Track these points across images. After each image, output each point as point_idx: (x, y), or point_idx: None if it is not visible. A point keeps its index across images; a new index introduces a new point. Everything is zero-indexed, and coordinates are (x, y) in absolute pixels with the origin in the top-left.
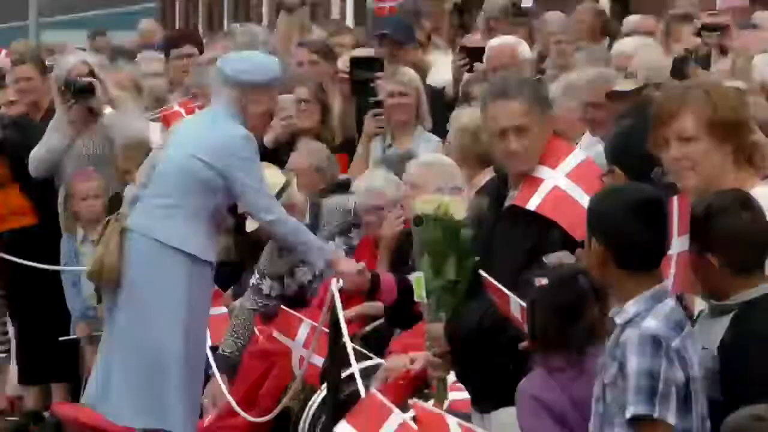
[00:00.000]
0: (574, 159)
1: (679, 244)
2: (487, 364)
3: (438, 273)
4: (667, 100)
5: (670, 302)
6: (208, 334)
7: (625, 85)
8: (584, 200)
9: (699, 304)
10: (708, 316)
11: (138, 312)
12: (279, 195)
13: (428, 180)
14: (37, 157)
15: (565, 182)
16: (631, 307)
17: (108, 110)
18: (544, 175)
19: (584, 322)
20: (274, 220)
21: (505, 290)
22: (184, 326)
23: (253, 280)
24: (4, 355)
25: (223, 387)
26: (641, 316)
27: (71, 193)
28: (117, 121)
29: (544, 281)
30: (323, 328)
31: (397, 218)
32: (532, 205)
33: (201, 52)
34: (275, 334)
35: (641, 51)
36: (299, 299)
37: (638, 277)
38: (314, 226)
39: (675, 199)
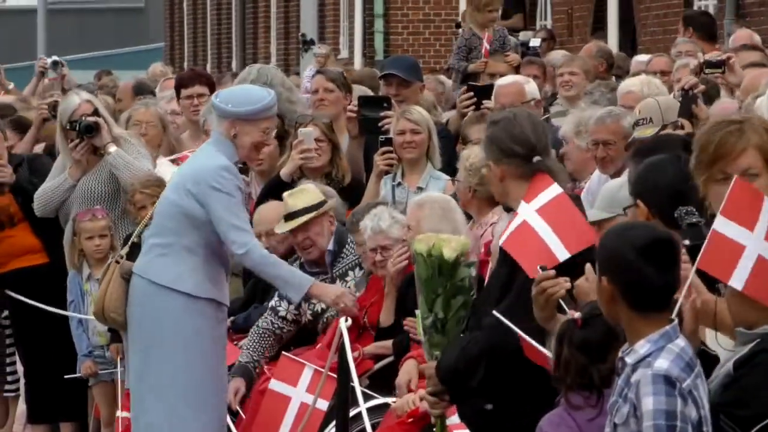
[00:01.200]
0: (546, 194)
1: (764, 246)
2: (470, 404)
3: (430, 311)
4: (730, 136)
5: (680, 342)
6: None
7: (643, 132)
8: (549, 237)
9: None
10: (738, 345)
11: (142, 353)
12: (301, 213)
13: (420, 220)
14: (42, 196)
15: (534, 217)
16: (641, 347)
17: (113, 149)
18: (520, 210)
19: (609, 362)
20: (245, 254)
21: (520, 332)
22: (188, 363)
23: (272, 302)
24: (12, 394)
25: (232, 426)
26: (653, 356)
27: (77, 230)
28: (121, 160)
29: (578, 315)
30: (330, 372)
31: (399, 256)
32: (502, 240)
33: (212, 92)
34: (273, 384)
35: (647, 91)
36: (311, 328)
37: (648, 317)
38: (337, 254)
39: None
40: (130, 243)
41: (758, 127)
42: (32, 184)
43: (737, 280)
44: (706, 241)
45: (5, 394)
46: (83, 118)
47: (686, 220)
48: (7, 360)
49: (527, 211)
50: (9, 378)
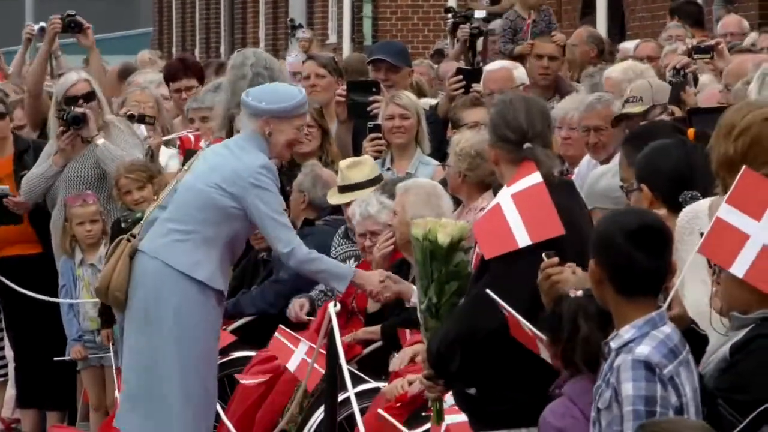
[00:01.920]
0: (525, 181)
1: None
2: (456, 389)
3: (425, 295)
4: (760, 132)
5: (666, 329)
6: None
7: (632, 108)
8: (515, 222)
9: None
10: (731, 330)
11: (147, 333)
12: (360, 186)
13: (405, 205)
14: (28, 182)
15: (507, 201)
16: (626, 332)
17: (100, 141)
18: (499, 194)
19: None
20: (290, 252)
21: (515, 313)
22: (187, 351)
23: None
24: (1, 379)
25: (221, 412)
26: (635, 342)
27: (68, 216)
28: (108, 153)
29: (579, 293)
30: (321, 350)
31: (384, 242)
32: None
33: (201, 82)
34: (278, 335)
35: (635, 74)
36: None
37: (635, 302)
38: None
39: None
40: (141, 224)
41: None
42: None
43: (738, 268)
44: (710, 227)
45: None
46: (72, 108)
47: (690, 203)
48: None
49: (503, 195)
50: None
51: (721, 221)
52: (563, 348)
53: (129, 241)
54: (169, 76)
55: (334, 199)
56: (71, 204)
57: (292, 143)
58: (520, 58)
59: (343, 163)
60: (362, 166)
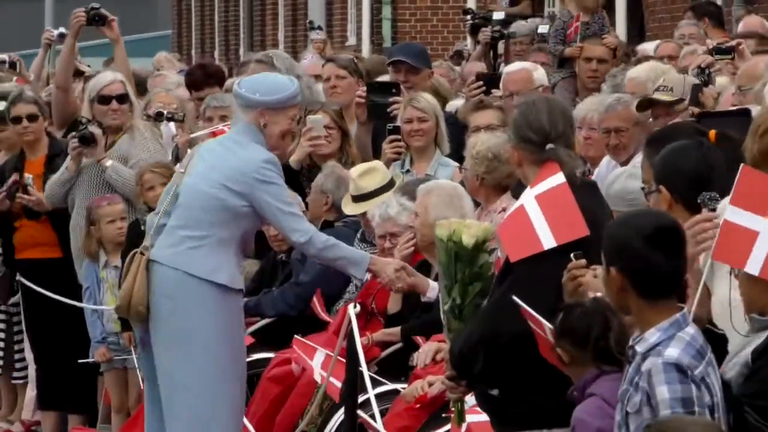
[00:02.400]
0: (549, 182)
1: None
2: (478, 390)
3: (449, 296)
4: None
5: (690, 329)
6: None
7: (662, 96)
8: (540, 224)
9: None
10: (751, 332)
11: (175, 345)
12: (375, 194)
13: (427, 206)
14: (49, 187)
15: (531, 203)
16: (651, 335)
17: (108, 163)
18: (522, 195)
19: None
20: (307, 241)
21: (538, 317)
22: (219, 357)
23: None
24: (21, 381)
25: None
26: (663, 345)
27: (96, 218)
28: (118, 176)
29: (599, 294)
30: (339, 357)
31: (405, 243)
32: (500, 223)
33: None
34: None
35: (657, 75)
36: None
37: (657, 305)
38: None
39: None
40: (152, 233)
41: None
42: None
43: (753, 266)
44: (718, 231)
45: (14, 381)
46: (86, 127)
47: (710, 206)
48: (16, 347)
49: (527, 197)
50: (17, 365)
51: (728, 223)
52: (595, 346)
53: (143, 254)
54: (192, 85)
55: (349, 208)
56: (98, 205)
57: (287, 134)
58: (570, 61)
59: (354, 172)
60: (374, 174)
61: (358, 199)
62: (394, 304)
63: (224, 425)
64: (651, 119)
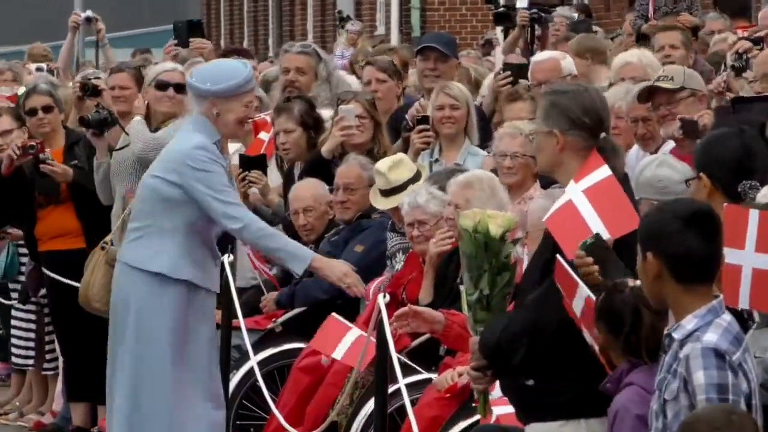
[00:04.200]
0: (596, 175)
1: (756, 259)
2: (510, 380)
3: (475, 287)
4: None
5: (726, 316)
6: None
7: (663, 84)
8: (591, 218)
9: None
10: (761, 326)
11: (117, 338)
12: (404, 187)
13: (469, 199)
14: (97, 188)
15: (579, 198)
16: (689, 322)
17: (137, 118)
18: (568, 189)
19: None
20: (242, 227)
21: (576, 278)
22: (162, 347)
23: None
24: (51, 372)
25: (271, 404)
26: (701, 331)
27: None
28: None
29: (638, 282)
30: (372, 338)
31: (442, 237)
32: (545, 218)
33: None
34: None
35: (645, 62)
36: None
37: (694, 291)
38: (348, 240)
39: (757, 213)
40: (116, 228)
41: None
42: (89, 164)
43: (743, 301)
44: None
45: (44, 373)
46: (100, 111)
47: (750, 194)
48: (47, 339)
49: (574, 191)
50: (48, 356)
51: (725, 265)
52: (625, 339)
53: (103, 248)
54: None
55: (380, 203)
56: (129, 197)
57: (243, 120)
58: (648, 38)
59: (382, 166)
60: (401, 167)
61: (387, 193)
62: (425, 295)
63: (148, 418)
64: (651, 109)
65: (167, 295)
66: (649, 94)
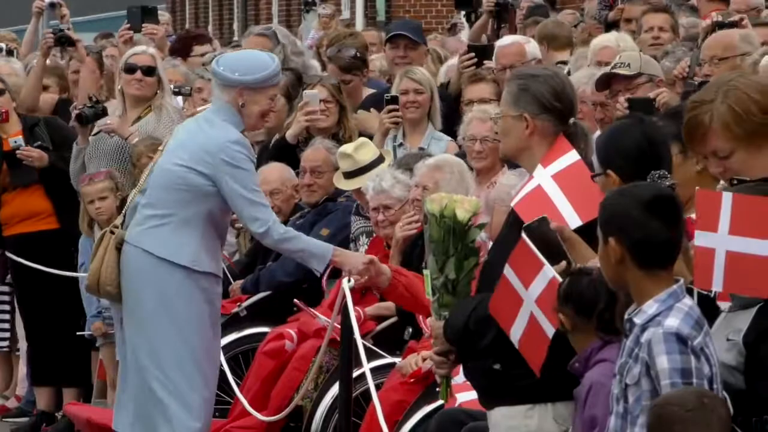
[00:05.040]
0: (564, 160)
1: (729, 242)
2: (477, 364)
3: (441, 271)
4: (694, 120)
5: (687, 300)
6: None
7: (620, 70)
8: (562, 203)
9: None
10: (733, 308)
11: (138, 325)
12: (369, 168)
13: (438, 181)
14: (72, 173)
15: (549, 183)
16: (650, 307)
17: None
18: (536, 173)
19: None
20: (266, 231)
21: (542, 258)
22: (182, 339)
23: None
24: (4, 350)
25: (235, 388)
26: (662, 315)
27: (80, 196)
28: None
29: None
30: (336, 324)
31: (408, 221)
32: (514, 202)
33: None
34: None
35: (623, 46)
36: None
37: (655, 276)
38: (314, 223)
39: (730, 196)
40: (123, 213)
41: (722, 106)
42: (52, 144)
43: (717, 283)
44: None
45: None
46: (89, 106)
47: (661, 183)
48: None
49: (543, 176)
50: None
51: (697, 248)
52: (599, 317)
53: (112, 232)
54: (186, 45)
55: (342, 184)
56: (82, 183)
57: (266, 113)
58: (615, 26)
59: (347, 148)
60: (364, 149)
61: (349, 175)
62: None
63: (175, 410)
64: (609, 96)
65: (193, 287)
66: (607, 81)
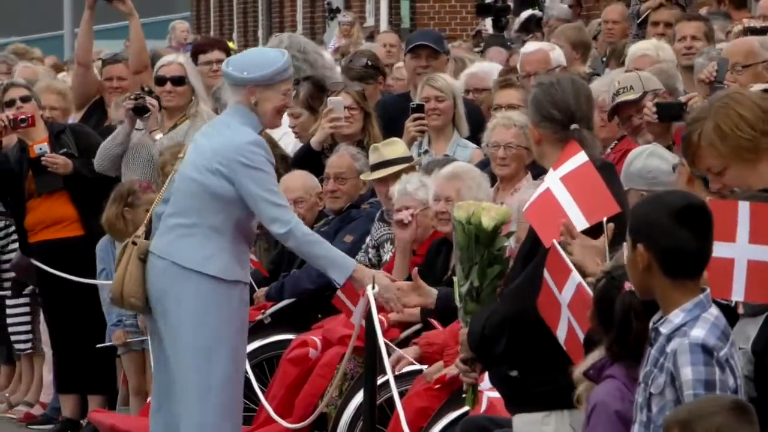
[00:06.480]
0: (573, 162)
1: (750, 251)
2: (496, 371)
3: (466, 278)
4: (687, 139)
5: (714, 311)
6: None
7: (627, 96)
8: (570, 206)
9: None
10: (744, 316)
11: (170, 338)
12: (395, 162)
13: (460, 190)
14: (103, 149)
15: (557, 185)
16: (676, 316)
17: (158, 136)
18: (546, 177)
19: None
20: (287, 232)
21: (570, 264)
22: (213, 350)
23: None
24: (29, 351)
25: (260, 395)
26: (688, 326)
27: (137, 202)
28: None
29: (628, 286)
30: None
31: (418, 225)
32: (525, 208)
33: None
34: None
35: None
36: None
37: (683, 285)
38: (338, 230)
39: (747, 205)
40: (146, 223)
41: (709, 124)
42: (78, 151)
43: (738, 293)
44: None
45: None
46: (147, 92)
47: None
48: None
49: (552, 179)
50: (23, 337)
51: (756, 263)
52: (612, 340)
53: (135, 243)
54: (199, 50)
55: (367, 175)
56: (145, 190)
57: (281, 109)
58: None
59: (378, 143)
60: (396, 145)
61: (377, 166)
62: (398, 277)
63: (216, 412)
64: (621, 124)
65: (224, 296)
66: (616, 110)
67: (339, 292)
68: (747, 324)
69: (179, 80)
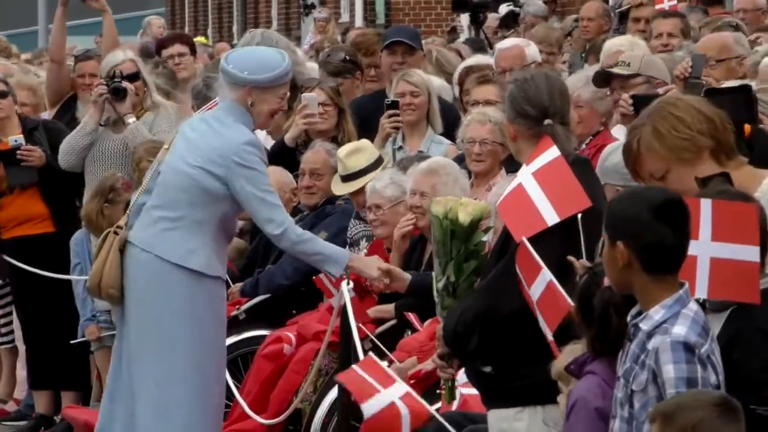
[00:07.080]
0: (545, 157)
1: (712, 248)
2: (470, 367)
3: (443, 273)
4: (627, 146)
5: (693, 305)
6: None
7: (618, 69)
8: (541, 200)
9: None
10: (708, 312)
11: (145, 330)
12: (362, 173)
13: (435, 185)
14: (68, 142)
15: (529, 180)
16: (656, 313)
17: (131, 120)
18: (519, 173)
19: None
20: (282, 233)
21: (540, 261)
22: (191, 345)
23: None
24: (10, 345)
25: (235, 391)
26: (669, 322)
27: (118, 199)
28: (139, 135)
29: (606, 282)
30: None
31: (406, 221)
32: (498, 202)
33: (192, 51)
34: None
35: (636, 51)
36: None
37: (662, 280)
38: (312, 226)
39: (709, 203)
40: (127, 213)
41: (647, 128)
42: (51, 148)
43: (701, 290)
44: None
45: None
46: (120, 76)
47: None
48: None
49: (524, 174)
50: (3, 330)
51: (718, 260)
52: (594, 333)
53: (116, 233)
54: (162, 45)
55: (339, 188)
56: (127, 188)
57: (275, 113)
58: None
59: (341, 152)
60: (361, 153)
61: (346, 178)
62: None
63: (188, 417)
64: (607, 93)
65: (205, 291)
66: (606, 79)
67: (322, 275)
68: (711, 320)
69: (134, 77)
